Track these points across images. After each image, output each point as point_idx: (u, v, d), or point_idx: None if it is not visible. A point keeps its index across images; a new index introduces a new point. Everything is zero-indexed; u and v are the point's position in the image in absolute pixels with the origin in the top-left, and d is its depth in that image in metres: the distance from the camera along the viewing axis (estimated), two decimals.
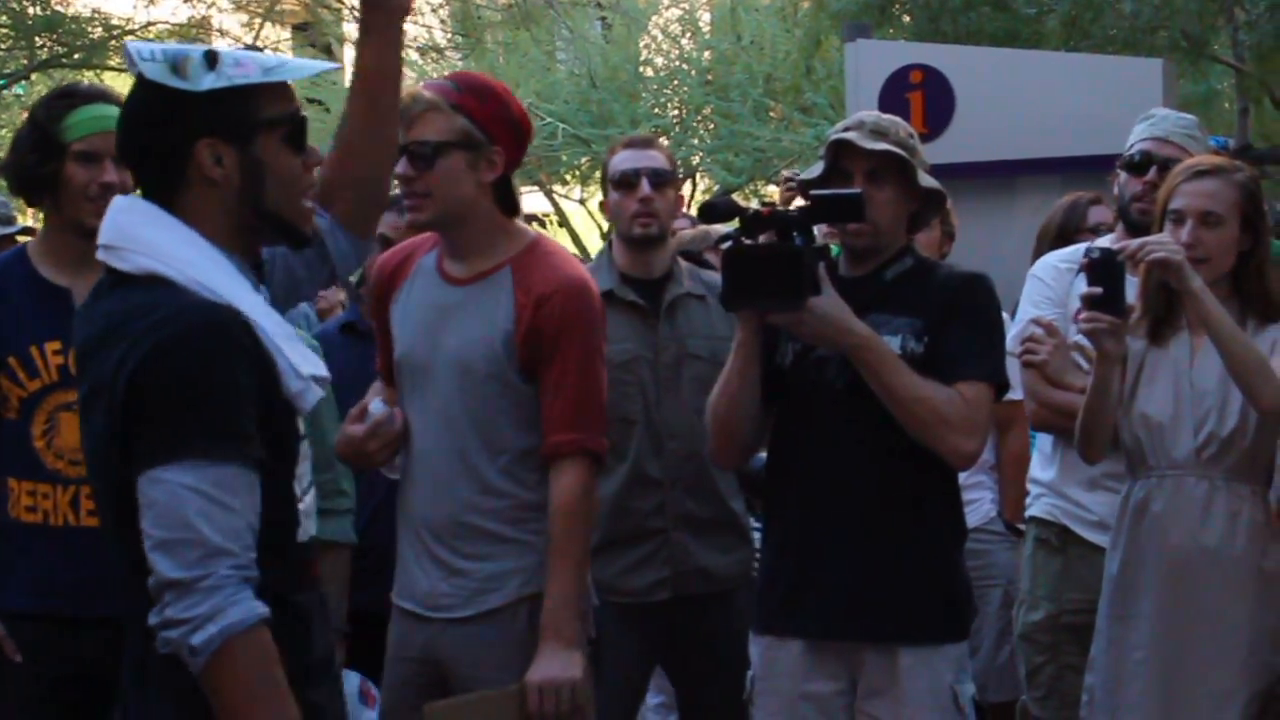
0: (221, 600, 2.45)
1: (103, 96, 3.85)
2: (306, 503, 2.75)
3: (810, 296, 3.57)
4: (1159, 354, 4.17)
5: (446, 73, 20.24)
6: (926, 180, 3.82)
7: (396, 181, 3.76)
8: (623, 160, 4.69)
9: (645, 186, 4.62)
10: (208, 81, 2.58)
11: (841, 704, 3.81)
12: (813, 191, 3.70)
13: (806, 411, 3.83)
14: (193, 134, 2.61)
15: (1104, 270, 3.93)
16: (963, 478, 5.01)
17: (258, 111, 2.64)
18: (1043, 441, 4.81)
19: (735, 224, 3.67)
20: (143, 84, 2.63)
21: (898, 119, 3.88)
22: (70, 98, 3.84)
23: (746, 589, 4.74)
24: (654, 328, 4.63)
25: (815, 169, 3.87)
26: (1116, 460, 4.24)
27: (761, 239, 3.60)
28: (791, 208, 3.65)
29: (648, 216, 4.63)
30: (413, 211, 3.83)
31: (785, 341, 3.82)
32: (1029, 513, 4.82)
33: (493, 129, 3.75)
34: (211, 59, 2.60)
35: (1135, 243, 3.99)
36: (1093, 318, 3.93)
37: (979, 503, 5.39)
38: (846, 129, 3.81)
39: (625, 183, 4.63)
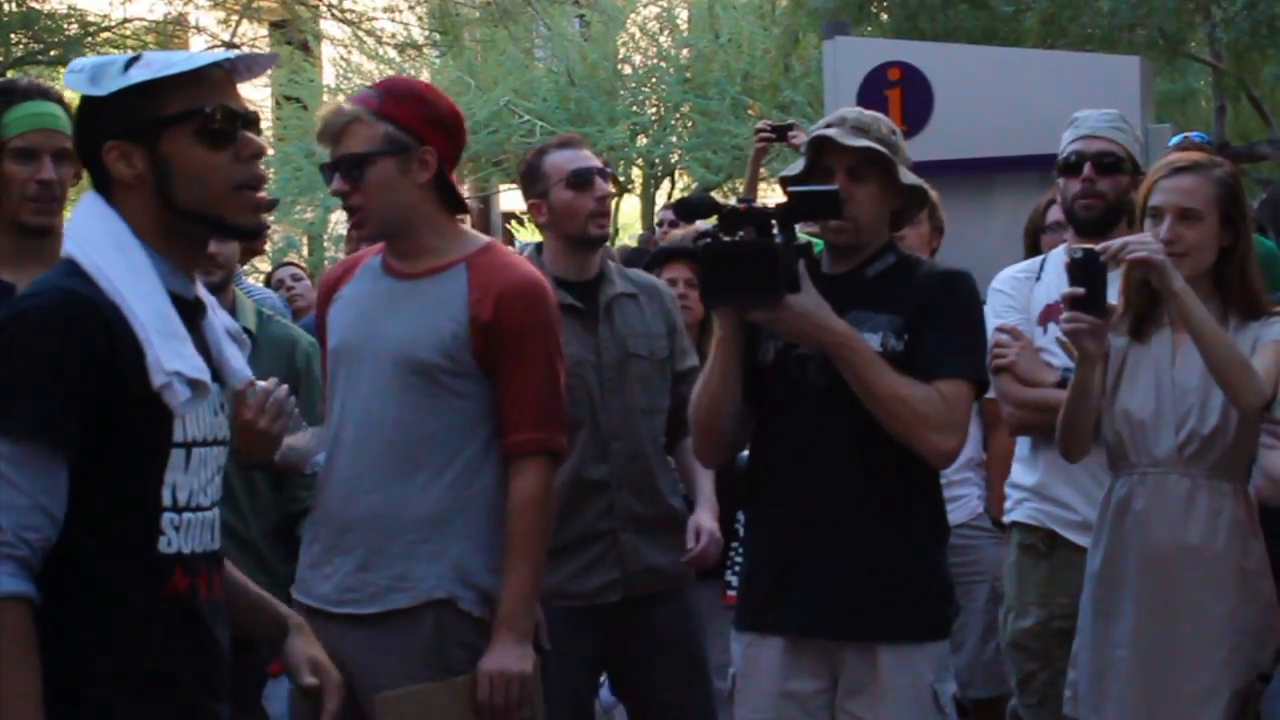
0: None
1: (41, 93, 3.81)
2: (190, 517, 2.65)
3: (788, 293, 3.56)
4: (1141, 351, 4.17)
5: (421, 71, 20.22)
6: (908, 177, 3.81)
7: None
8: (570, 159, 4.64)
9: (601, 185, 4.61)
10: (113, 85, 2.59)
11: (822, 702, 3.80)
12: (791, 188, 3.69)
13: (787, 409, 3.81)
14: (100, 137, 2.63)
15: (1085, 270, 3.93)
16: (950, 474, 5.03)
17: (160, 109, 2.61)
18: (1021, 445, 4.81)
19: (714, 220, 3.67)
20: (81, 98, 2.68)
21: (880, 115, 3.87)
22: (8, 94, 3.80)
23: (694, 585, 4.75)
24: (594, 330, 4.61)
25: (797, 165, 3.86)
26: (1100, 458, 4.24)
27: (740, 235, 3.59)
28: (771, 204, 3.63)
29: (604, 216, 4.63)
30: (356, 227, 3.85)
31: (767, 339, 3.81)
32: (1010, 517, 4.81)
33: (420, 129, 3.73)
34: (130, 64, 2.62)
35: (1117, 242, 3.99)
36: (1074, 318, 3.92)
37: (966, 499, 5.39)
38: (828, 125, 3.80)
39: (581, 181, 4.59)
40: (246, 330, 3.86)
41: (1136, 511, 4.10)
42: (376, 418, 3.75)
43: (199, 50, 20.42)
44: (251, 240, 2.80)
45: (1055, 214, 5.64)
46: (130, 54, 2.69)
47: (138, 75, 2.59)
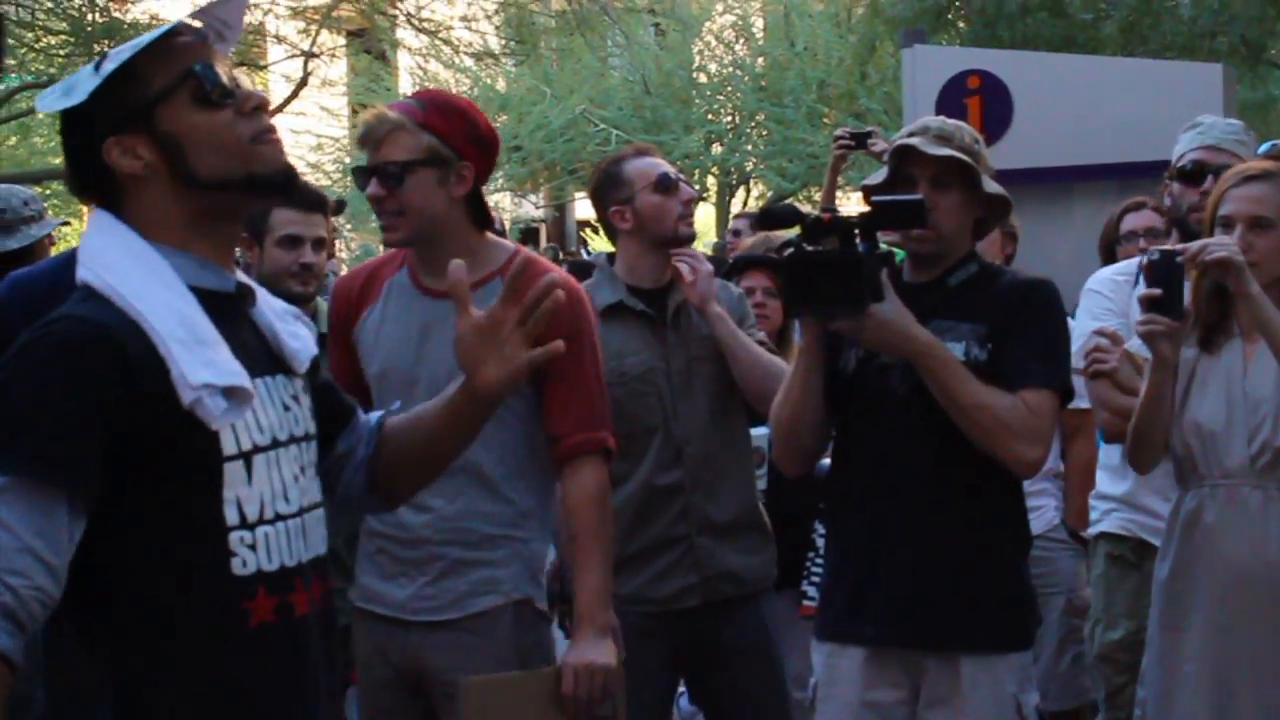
0: None
1: None
2: (268, 530, 2.46)
3: (871, 303, 3.55)
4: (1210, 362, 4.12)
5: (497, 79, 20.26)
6: (991, 186, 3.80)
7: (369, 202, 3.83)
8: (653, 165, 4.65)
9: (686, 189, 4.64)
10: (87, 87, 2.42)
11: (904, 712, 3.79)
12: (874, 198, 3.68)
13: (869, 418, 3.81)
14: (96, 141, 2.44)
15: (1163, 272, 3.89)
16: (1027, 485, 4.99)
17: (146, 88, 2.43)
18: (1110, 455, 4.77)
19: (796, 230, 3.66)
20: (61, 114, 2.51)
21: (963, 124, 3.87)
22: None
23: (770, 594, 4.74)
24: (663, 337, 4.60)
25: (879, 174, 3.86)
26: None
27: (823, 245, 3.59)
28: (854, 214, 3.62)
29: (691, 216, 4.66)
30: (388, 231, 3.86)
31: (848, 348, 3.81)
32: (1099, 528, 4.78)
33: (459, 145, 3.77)
34: (99, 64, 2.45)
35: (1196, 244, 3.96)
36: (1150, 319, 3.88)
37: (1043, 510, 5.37)
38: (911, 134, 3.79)
39: (668, 185, 4.60)
40: (324, 336, 3.89)
41: (1206, 524, 4.04)
42: None
43: (277, 60, 20.57)
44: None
45: (1130, 223, 5.62)
46: (97, 58, 2.51)
47: (108, 67, 2.42)
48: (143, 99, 2.42)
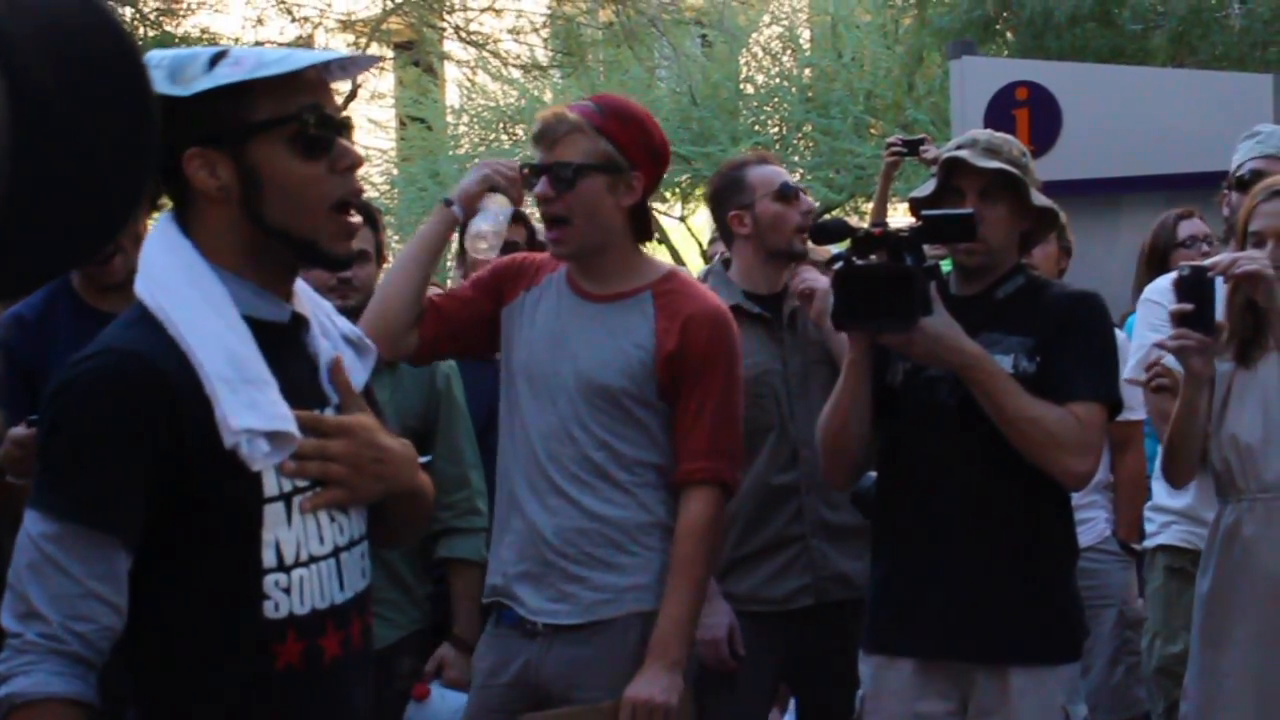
0: (17, 665, 2.23)
1: None
2: (302, 573, 2.41)
3: (921, 316, 3.56)
4: (1247, 376, 4.12)
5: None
6: (1039, 199, 3.80)
7: (535, 201, 3.78)
8: (775, 174, 4.71)
9: (806, 200, 4.69)
10: (198, 85, 2.30)
11: None
12: (924, 212, 3.69)
13: (918, 431, 3.81)
14: (181, 143, 2.34)
15: (1193, 287, 3.89)
16: (1077, 497, 4.98)
17: (250, 113, 2.34)
18: None
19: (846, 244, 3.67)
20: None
21: (1010, 137, 3.87)
22: None
23: None
24: (780, 339, 4.64)
25: (927, 187, 3.87)
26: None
27: (873, 259, 3.60)
28: (903, 227, 3.63)
29: (806, 230, 4.66)
30: (556, 245, 3.79)
31: (896, 360, 3.81)
32: (1157, 541, 4.78)
33: (634, 154, 3.73)
34: (215, 60, 2.34)
35: (1227, 257, 3.95)
36: (1182, 334, 3.88)
37: (1094, 522, 5.35)
38: (959, 147, 3.80)
39: (789, 195, 4.64)
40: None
41: (1246, 538, 4.04)
42: (570, 437, 3.75)
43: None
44: (340, 270, 2.56)
45: (1188, 229, 5.61)
46: (215, 48, 2.39)
47: (226, 75, 2.30)
48: (243, 123, 2.34)
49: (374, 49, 19.44)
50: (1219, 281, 4.45)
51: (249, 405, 2.30)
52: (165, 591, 2.34)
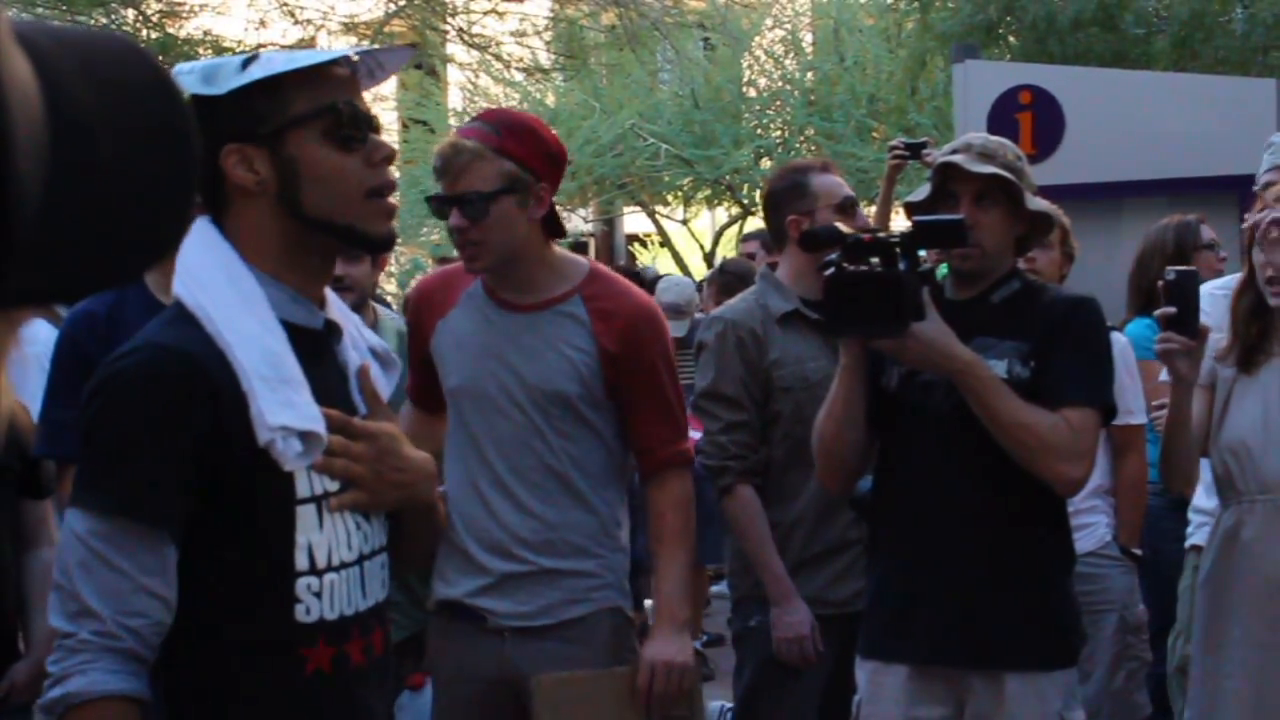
0: (72, 665, 2.25)
1: None
2: (333, 577, 2.41)
3: (913, 322, 3.55)
4: (1249, 381, 4.12)
5: (547, 94, 20.30)
6: (1034, 203, 3.79)
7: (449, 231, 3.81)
8: (838, 185, 4.71)
9: (863, 216, 4.71)
10: (231, 83, 2.36)
11: None
12: (916, 217, 3.68)
13: (912, 436, 3.80)
14: (219, 141, 2.38)
15: (1179, 291, 3.90)
16: (1078, 502, 4.99)
17: (285, 107, 2.38)
18: (1208, 471, 4.77)
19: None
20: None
21: (1005, 141, 3.86)
22: None
23: None
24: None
25: (922, 191, 3.86)
26: None
27: (863, 265, 3.59)
28: (894, 233, 3.62)
29: None
30: (470, 261, 3.83)
31: (890, 365, 3.80)
32: (1192, 540, 4.78)
33: (535, 165, 3.75)
34: (247, 63, 2.40)
35: (1255, 216, 3.97)
36: (1167, 338, 3.88)
37: (1094, 527, 5.33)
38: (954, 151, 3.79)
39: (849, 208, 4.65)
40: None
41: (1245, 540, 4.05)
42: (530, 448, 3.81)
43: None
44: (383, 252, 2.60)
45: (1207, 233, 5.66)
46: (246, 54, 2.45)
47: (257, 73, 2.36)
48: (279, 117, 2.39)
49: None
50: (1212, 292, 4.47)
51: (285, 403, 2.33)
52: (199, 592, 2.34)
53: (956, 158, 3.75)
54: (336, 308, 2.60)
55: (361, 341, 2.64)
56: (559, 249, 3.93)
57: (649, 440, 3.90)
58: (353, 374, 2.57)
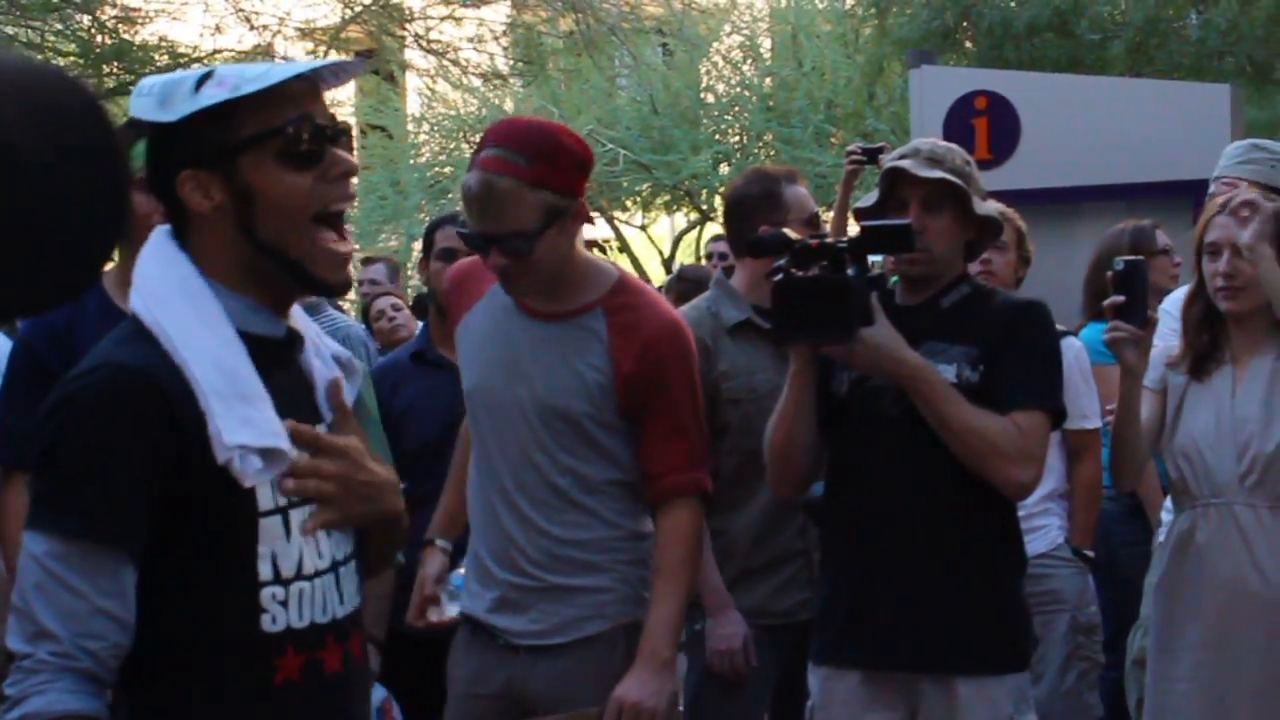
0: (31, 685, 2.21)
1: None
2: (302, 586, 2.40)
3: (861, 327, 3.54)
4: (1200, 388, 4.15)
5: (505, 100, 20.27)
6: (983, 207, 3.79)
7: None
8: (807, 199, 4.63)
9: (825, 229, 4.71)
10: (183, 108, 2.31)
11: None
12: (863, 222, 3.68)
13: (862, 441, 3.80)
14: (175, 167, 2.35)
15: (1127, 280, 3.92)
16: (1031, 505, 5.01)
17: (236, 130, 2.33)
18: None
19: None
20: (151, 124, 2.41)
21: (954, 146, 3.85)
22: (136, 126, 3.82)
23: None
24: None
25: (871, 197, 3.85)
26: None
27: (812, 270, 3.58)
28: (841, 238, 3.61)
29: None
30: (512, 288, 3.71)
31: (840, 371, 3.79)
32: (1159, 538, 4.79)
33: (573, 184, 3.60)
34: (201, 82, 2.33)
35: (1226, 194, 4.00)
36: (1116, 326, 3.91)
37: (1047, 529, 5.35)
38: (901, 157, 3.79)
39: (815, 223, 4.57)
40: None
41: (1199, 544, 4.07)
42: (533, 463, 3.74)
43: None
44: (334, 296, 2.53)
45: (1163, 238, 5.76)
46: (201, 70, 2.39)
47: (210, 95, 2.31)
48: (230, 142, 2.34)
49: (333, 57, 19.36)
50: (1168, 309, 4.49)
51: (243, 421, 2.29)
52: (163, 606, 2.31)
53: (904, 163, 3.75)
54: (296, 316, 2.55)
55: (324, 349, 2.60)
56: (587, 255, 3.80)
57: (657, 464, 3.74)
58: (318, 382, 2.53)
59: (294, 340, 2.50)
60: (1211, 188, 4.87)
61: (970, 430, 3.62)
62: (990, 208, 3.87)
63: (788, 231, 3.67)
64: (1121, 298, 3.90)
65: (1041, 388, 3.73)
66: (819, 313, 3.54)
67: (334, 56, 19.78)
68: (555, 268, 3.65)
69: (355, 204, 19.17)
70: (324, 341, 2.61)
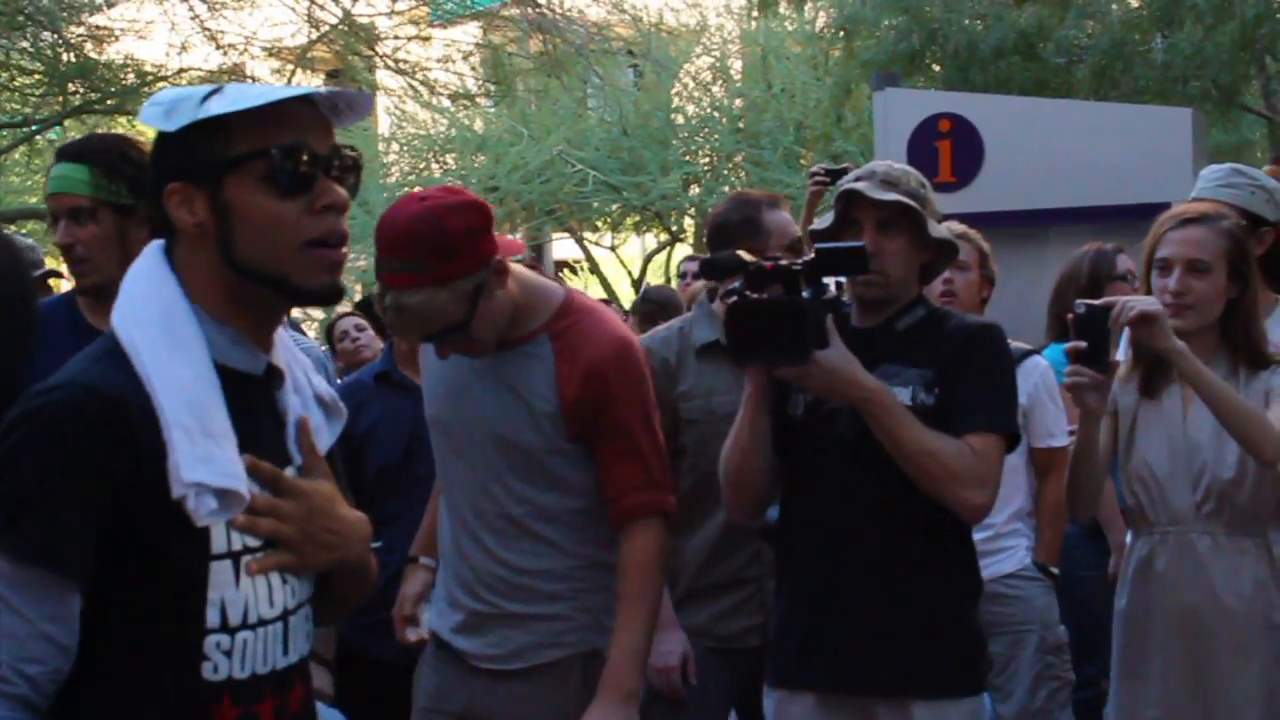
0: None
1: (64, 155, 3.77)
2: (246, 636, 2.33)
3: (815, 349, 3.53)
4: (1151, 407, 4.14)
5: (475, 120, 20.20)
6: (938, 230, 3.78)
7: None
8: (789, 224, 4.62)
9: (807, 255, 4.65)
10: (183, 120, 2.27)
11: None
12: (817, 245, 3.67)
13: (817, 463, 3.78)
14: (164, 179, 2.30)
15: (1089, 325, 3.89)
16: (998, 525, 5.02)
17: (224, 149, 2.27)
18: None
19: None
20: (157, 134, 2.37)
21: (910, 169, 3.85)
22: (58, 155, 3.81)
23: None
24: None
25: (826, 219, 3.85)
26: None
27: (766, 292, 3.57)
28: (795, 261, 3.60)
29: None
30: (477, 355, 3.72)
31: (796, 393, 3.78)
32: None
33: (477, 258, 3.54)
34: (208, 97, 2.29)
35: (1118, 300, 3.94)
36: (1076, 371, 3.88)
37: (1014, 550, 5.35)
38: (857, 179, 3.78)
39: (797, 249, 4.52)
40: None
41: (1158, 571, 4.06)
42: (490, 493, 3.76)
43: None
44: (324, 305, 2.47)
45: (1123, 263, 5.71)
46: (214, 85, 2.35)
47: (214, 108, 2.26)
48: (219, 158, 2.28)
49: (300, 77, 19.35)
50: None
51: (204, 458, 2.22)
52: (104, 642, 2.25)
53: (859, 185, 3.74)
54: (284, 350, 2.49)
55: (307, 388, 2.53)
56: (530, 279, 3.77)
57: (614, 488, 3.72)
58: (291, 422, 2.46)
59: (274, 377, 2.44)
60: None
61: (924, 453, 3.61)
62: (945, 230, 3.86)
63: (741, 254, 3.65)
64: (1083, 343, 3.87)
65: (996, 411, 3.72)
66: (773, 334, 3.53)
67: (301, 76, 19.78)
68: (499, 321, 3.64)
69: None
70: (312, 380, 2.56)
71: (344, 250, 2.36)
